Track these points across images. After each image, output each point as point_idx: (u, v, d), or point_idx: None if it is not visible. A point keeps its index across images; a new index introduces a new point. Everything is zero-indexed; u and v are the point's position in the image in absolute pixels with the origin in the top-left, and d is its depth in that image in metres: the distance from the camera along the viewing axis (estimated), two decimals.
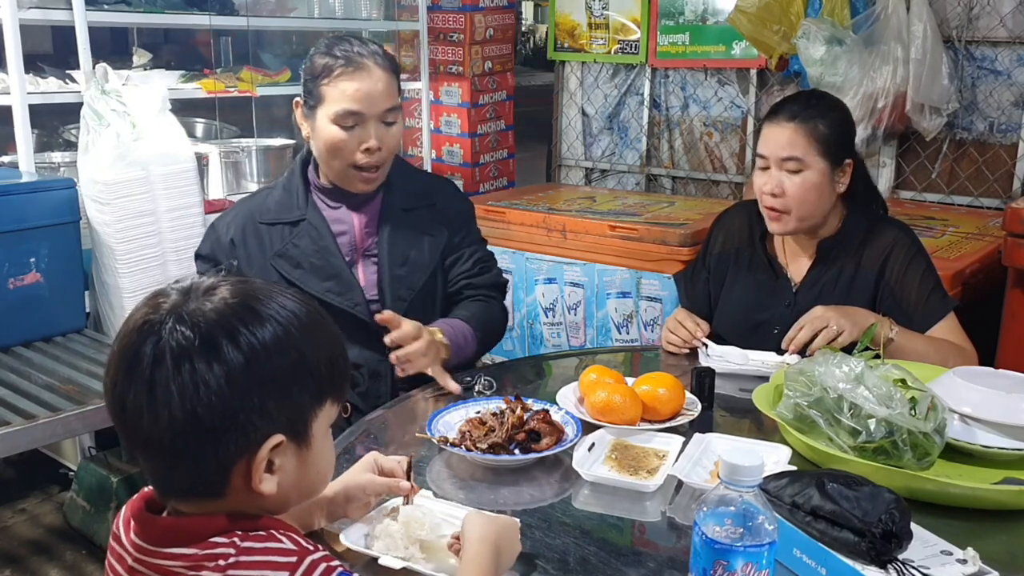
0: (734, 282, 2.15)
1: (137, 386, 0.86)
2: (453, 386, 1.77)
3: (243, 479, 0.90)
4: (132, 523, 0.93)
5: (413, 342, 1.74)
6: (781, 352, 1.90)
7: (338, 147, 1.88)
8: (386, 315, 1.76)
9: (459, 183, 4.36)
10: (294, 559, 0.87)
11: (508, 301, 3.34)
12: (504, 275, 2.15)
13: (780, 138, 1.95)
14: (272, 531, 0.90)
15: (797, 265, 2.08)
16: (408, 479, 1.26)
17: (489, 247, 2.15)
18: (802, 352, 1.84)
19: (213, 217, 3.11)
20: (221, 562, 0.87)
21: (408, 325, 1.75)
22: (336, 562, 0.89)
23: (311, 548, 0.89)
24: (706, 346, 1.98)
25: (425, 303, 1.99)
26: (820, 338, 1.80)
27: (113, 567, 0.95)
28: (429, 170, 4.27)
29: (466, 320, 1.94)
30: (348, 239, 1.98)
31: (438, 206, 2.05)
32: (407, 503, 1.25)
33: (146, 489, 0.97)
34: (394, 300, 1.95)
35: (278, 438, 0.90)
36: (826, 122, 1.95)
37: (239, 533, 0.88)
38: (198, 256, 2.04)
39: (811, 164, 1.94)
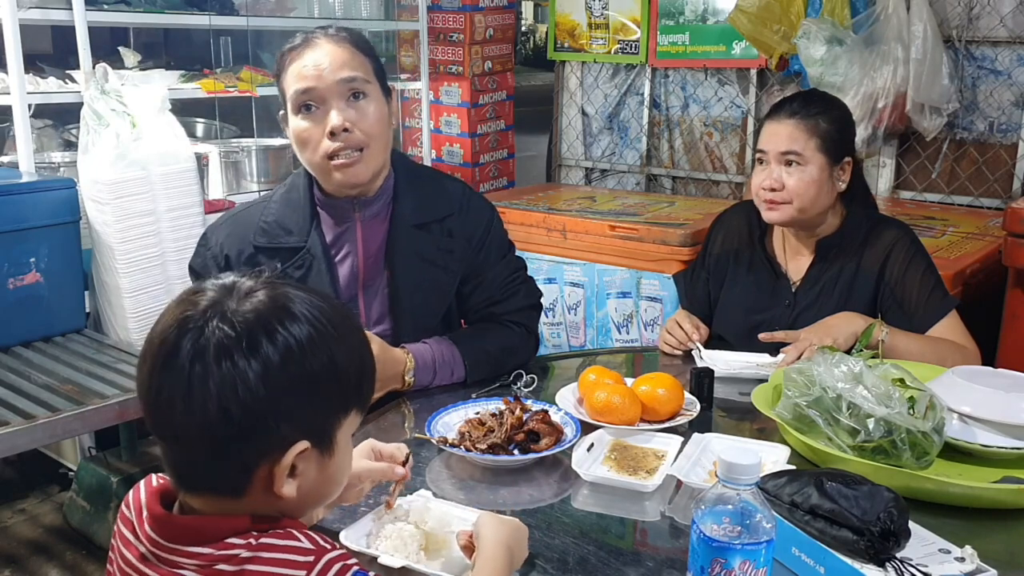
0: (734, 282, 2.15)
1: (174, 379, 0.87)
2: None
3: (264, 482, 0.91)
4: (147, 516, 0.94)
5: None
6: (777, 353, 1.91)
7: (304, 138, 1.69)
8: None
9: None
10: (311, 558, 0.87)
11: None
12: (534, 295, 1.94)
13: (781, 134, 1.97)
14: (290, 529, 0.90)
15: (796, 264, 2.08)
16: (404, 466, 1.27)
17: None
18: None
19: (213, 217, 3.14)
20: (238, 558, 0.87)
21: None
22: (353, 560, 0.89)
23: (328, 547, 0.90)
24: (699, 350, 1.98)
25: (439, 331, 1.85)
26: (804, 357, 1.81)
27: (122, 553, 0.95)
28: None
29: (456, 342, 1.81)
30: (350, 268, 1.80)
31: (455, 216, 1.84)
32: (397, 491, 1.26)
33: (158, 480, 0.98)
34: (416, 331, 1.80)
35: (303, 444, 0.91)
36: (826, 119, 1.97)
37: (255, 533, 0.89)
38: (191, 269, 1.87)
39: (811, 159, 1.95)
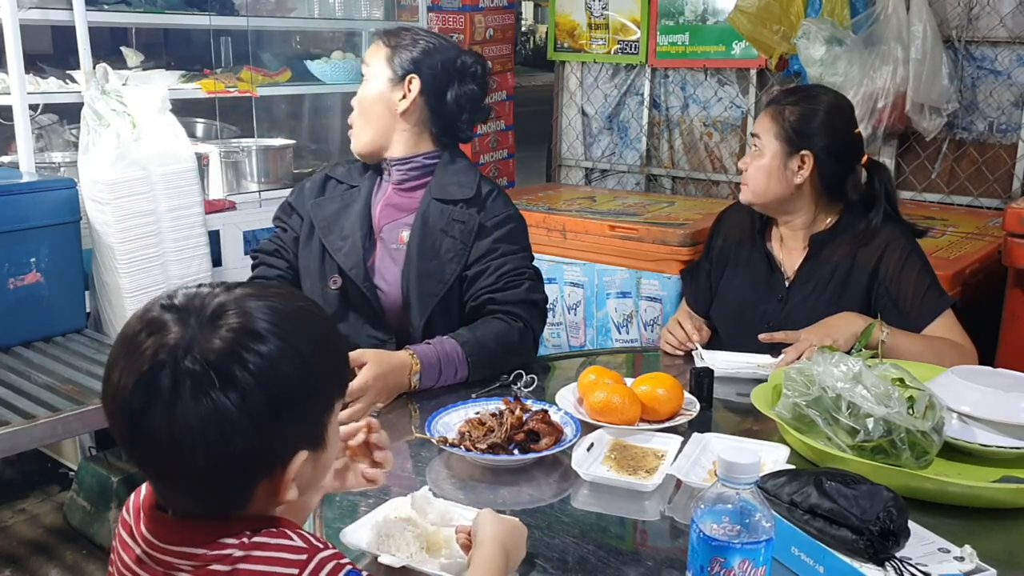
0: (733, 275, 2.16)
1: (156, 427, 0.84)
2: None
3: (264, 496, 0.91)
4: (143, 515, 0.94)
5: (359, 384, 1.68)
6: (772, 352, 1.92)
7: None
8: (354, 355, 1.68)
9: None
10: (304, 556, 0.87)
11: None
12: (537, 293, 1.98)
13: (759, 118, 2.07)
14: (283, 528, 0.90)
15: (791, 259, 2.08)
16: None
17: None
18: None
19: (213, 217, 3.15)
20: (231, 558, 0.87)
21: (359, 379, 1.68)
22: (346, 560, 0.89)
23: (321, 546, 0.90)
24: (699, 351, 1.99)
25: (441, 309, 1.93)
26: (804, 357, 1.81)
27: (120, 555, 0.95)
28: None
29: (462, 343, 1.84)
30: (371, 213, 2.00)
31: (476, 202, 1.96)
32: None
33: None
34: (422, 296, 1.91)
35: (303, 455, 0.91)
36: (794, 110, 2.00)
37: (248, 532, 0.89)
38: (285, 202, 2.12)
39: (766, 145, 2.01)
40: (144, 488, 0.98)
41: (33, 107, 3.02)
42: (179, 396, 0.84)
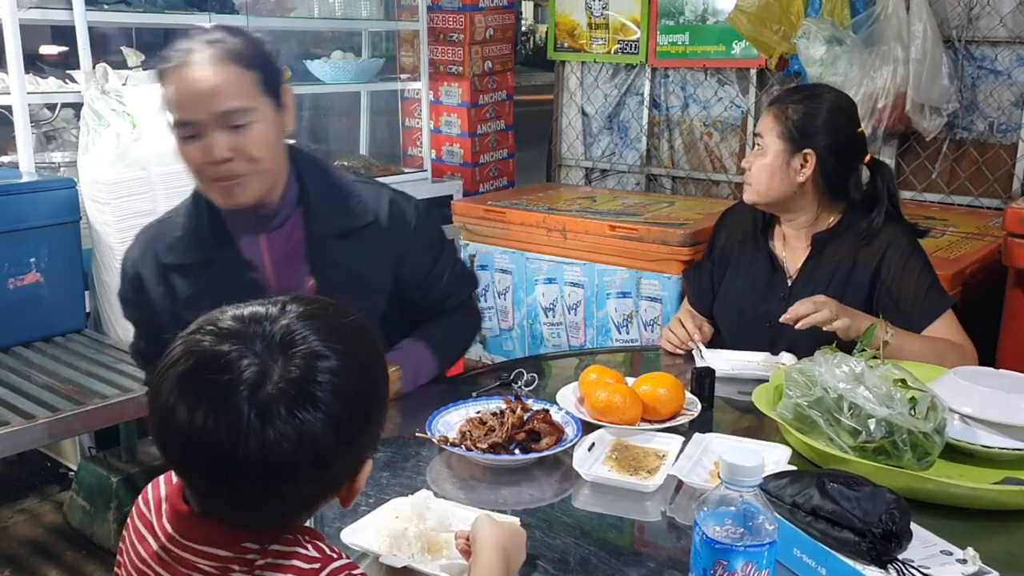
0: (735, 273, 2.16)
1: (249, 456, 0.83)
2: None
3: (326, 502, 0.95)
4: (167, 509, 0.94)
5: None
6: (773, 351, 1.92)
7: (184, 159, 1.62)
8: None
9: (459, 183, 4.35)
10: (317, 565, 0.88)
11: (508, 301, 3.35)
12: (465, 266, 2.00)
13: (762, 118, 2.08)
14: (298, 536, 0.91)
15: (793, 258, 2.09)
16: None
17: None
18: (796, 352, 1.85)
19: None
20: (253, 564, 0.88)
21: None
22: (358, 571, 0.90)
23: (334, 556, 0.90)
24: (700, 350, 1.99)
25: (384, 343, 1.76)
26: (813, 317, 1.79)
27: (136, 549, 0.95)
28: (428, 170, 4.27)
29: (426, 340, 1.81)
30: (260, 278, 1.71)
31: (378, 222, 1.76)
32: None
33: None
34: None
35: (370, 463, 0.95)
36: (797, 108, 2.00)
37: (268, 538, 0.89)
38: (120, 298, 1.81)
39: (769, 144, 2.02)
40: (164, 481, 0.97)
41: (51, 107, 3.02)
42: (271, 425, 0.83)
